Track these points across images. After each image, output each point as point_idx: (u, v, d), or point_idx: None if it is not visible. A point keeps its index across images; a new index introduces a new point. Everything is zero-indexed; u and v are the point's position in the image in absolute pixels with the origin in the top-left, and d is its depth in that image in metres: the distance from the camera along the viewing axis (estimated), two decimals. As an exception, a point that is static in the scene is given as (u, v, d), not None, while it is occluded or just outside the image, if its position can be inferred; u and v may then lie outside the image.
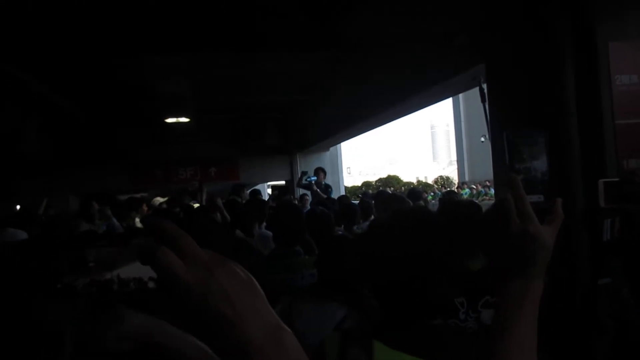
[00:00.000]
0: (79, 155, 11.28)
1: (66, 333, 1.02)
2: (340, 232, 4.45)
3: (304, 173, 9.50)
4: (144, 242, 0.52)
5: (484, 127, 3.91)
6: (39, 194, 9.35)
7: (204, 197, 7.78)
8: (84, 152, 11.29)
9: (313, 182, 8.62)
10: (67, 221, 5.70)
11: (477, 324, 2.05)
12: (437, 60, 5.04)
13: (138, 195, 10.74)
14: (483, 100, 3.86)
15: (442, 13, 4.11)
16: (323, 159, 12.46)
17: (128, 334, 0.83)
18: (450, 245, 1.25)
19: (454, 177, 51.18)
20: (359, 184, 45.14)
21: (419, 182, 47.83)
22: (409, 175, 60.35)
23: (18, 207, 8.75)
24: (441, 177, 48.96)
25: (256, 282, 0.56)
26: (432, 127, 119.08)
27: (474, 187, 26.06)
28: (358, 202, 6.32)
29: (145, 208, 9.82)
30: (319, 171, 8.74)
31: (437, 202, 11.97)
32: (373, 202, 5.78)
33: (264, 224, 4.90)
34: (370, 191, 21.69)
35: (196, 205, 7.35)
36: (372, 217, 5.34)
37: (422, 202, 6.69)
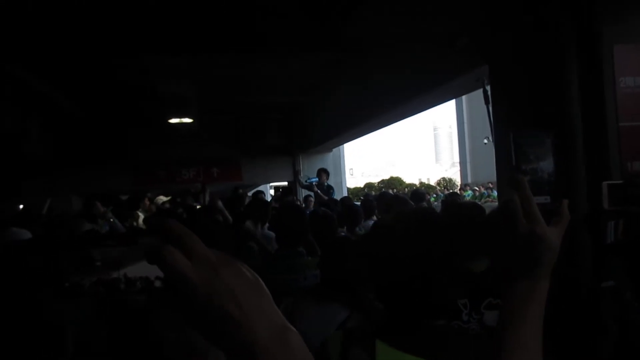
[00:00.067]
0: (81, 155, 11.30)
1: (68, 331, 1.02)
2: (342, 234, 4.45)
3: (297, 173, 9.49)
4: (150, 242, 0.52)
5: (486, 129, 3.91)
6: (41, 193, 9.37)
7: (207, 197, 7.79)
8: (86, 153, 11.31)
9: (314, 183, 8.61)
10: (69, 221, 5.71)
11: (479, 326, 2.05)
12: (440, 61, 5.04)
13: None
14: (487, 102, 3.85)
15: (445, 14, 4.11)
16: (326, 160, 12.46)
17: None
18: (453, 247, 1.25)
19: (457, 179, 51.14)
20: (362, 186, 45.15)
21: (421, 183, 47.80)
22: (411, 176, 60.33)
23: (21, 206, 8.77)
24: (444, 178, 48.95)
25: (262, 282, 0.56)
26: (434, 129, 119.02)
27: (477, 189, 26.00)
28: (360, 202, 6.32)
29: (147, 202, 9.85)
30: (321, 172, 8.73)
31: (440, 204, 11.96)
32: (375, 202, 5.78)
33: (267, 224, 4.90)
34: (373, 192, 21.68)
35: (198, 206, 7.36)
36: (375, 216, 5.34)
37: (425, 204, 6.68)
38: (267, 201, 6.66)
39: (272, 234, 3.93)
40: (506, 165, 3.35)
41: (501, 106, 3.59)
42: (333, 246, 2.58)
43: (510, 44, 3.34)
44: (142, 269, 2.94)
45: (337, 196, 8.74)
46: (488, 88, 3.95)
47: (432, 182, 47.89)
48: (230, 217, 5.26)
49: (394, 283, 1.24)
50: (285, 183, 13.63)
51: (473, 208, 2.89)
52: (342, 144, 12.51)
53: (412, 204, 5.61)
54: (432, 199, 19.85)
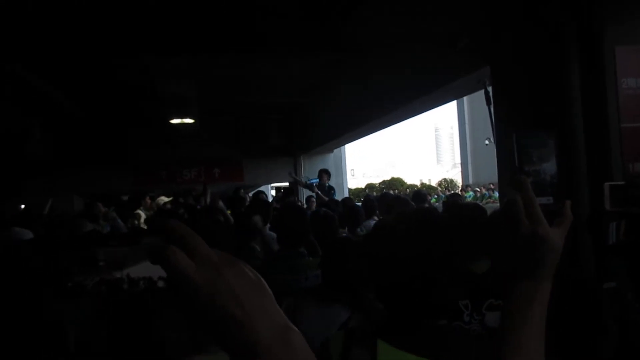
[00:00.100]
0: (82, 155, 11.31)
1: (69, 330, 1.02)
2: (344, 234, 4.45)
3: (290, 173, 9.49)
4: (153, 242, 0.52)
5: (488, 130, 3.91)
6: (43, 194, 9.38)
7: (208, 198, 7.80)
8: (87, 153, 11.33)
9: (315, 184, 8.60)
10: (71, 221, 5.71)
11: (481, 327, 2.05)
12: (441, 62, 5.04)
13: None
14: (488, 103, 3.85)
15: (446, 15, 4.11)
16: (327, 161, 12.46)
17: None
18: (455, 247, 1.25)
19: (458, 180, 51.11)
20: (363, 186, 45.15)
21: (422, 184, 47.81)
22: (412, 177, 60.34)
23: (22, 206, 8.78)
24: (445, 179, 48.93)
25: (265, 283, 0.56)
26: (436, 130, 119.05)
27: (478, 189, 25.99)
28: (361, 202, 6.31)
29: (148, 200, 9.86)
30: (322, 173, 8.72)
31: (441, 205, 11.96)
32: (376, 203, 5.78)
33: (268, 225, 4.90)
34: (374, 193, 21.68)
35: (198, 207, 7.37)
36: (376, 217, 5.34)
37: (426, 205, 6.68)
38: (268, 201, 6.67)
39: (274, 234, 3.93)
40: (508, 166, 3.35)
41: (502, 107, 3.59)
42: (334, 247, 2.58)
43: (511, 45, 3.34)
44: (145, 269, 2.94)
45: (338, 197, 8.73)
46: (489, 89, 3.95)
47: (434, 183, 47.88)
48: (231, 218, 5.27)
49: (395, 283, 1.24)
50: (287, 184, 13.63)
51: (474, 209, 2.89)
52: (343, 144, 12.51)
53: (413, 204, 5.60)
54: (434, 200, 19.86)
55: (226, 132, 12.23)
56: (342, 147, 12.93)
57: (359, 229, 4.82)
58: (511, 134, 0.96)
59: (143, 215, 8.83)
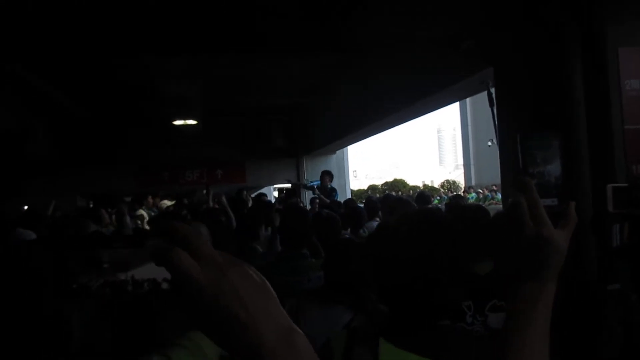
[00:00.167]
0: (85, 156, 11.34)
1: (73, 331, 1.03)
2: (346, 236, 4.45)
3: (288, 181, 9.52)
4: (158, 243, 0.52)
5: (491, 131, 3.90)
6: (46, 194, 9.41)
7: (211, 198, 7.82)
8: (90, 153, 11.35)
9: (316, 186, 8.60)
10: (75, 222, 5.72)
11: (484, 328, 2.05)
12: (444, 64, 5.03)
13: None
14: (491, 105, 3.85)
15: (449, 16, 4.11)
16: (329, 162, 12.46)
17: None
18: (457, 248, 1.25)
19: (461, 181, 51.08)
20: (365, 188, 45.14)
21: (425, 186, 47.80)
22: (415, 179, 60.34)
23: (25, 207, 8.81)
24: (447, 181, 48.89)
25: (269, 284, 0.56)
26: (438, 131, 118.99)
27: (481, 191, 25.96)
28: (364, 204, 6.31)
29: (150, 200, 9.88)
30: (324, 175, 8.72)
31: (444, 207, 11.94)
32: (379, 204, 5.78)
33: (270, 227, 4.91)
34: (377, 195, 21.67)
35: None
36: (378, 218, 5.34)
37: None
38: (271, 203, 6.68)
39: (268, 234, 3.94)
40: (510, 168, 3.34)
41: (506, 108, 3.58)
42: (337, 248, 2.59)
43: (514, 47, 3.34)
44: (150, 271, 2.95)
45: (341, 198, 8.73)
46: (492, 90, 3.95)
47: (436, 185, 47.87)
48: (232, 215, 5.31)
49: (397, 284, 1.24)
50: (289, 185, 13.64)
51: (477, 210, 2.89)
52: (346, 146, 12.51)
53: (416, 205, 5.60)
54: (436, 202, 19.81)
55: (229, 133, 12.24)
56: (344, 149, 12.93)
57: (361, 230, 4.82)
58: (514, 135, 0.96)
59: (146, 216, 8.85)
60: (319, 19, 4.72)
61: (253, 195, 10.40)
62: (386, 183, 45.94)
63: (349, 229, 4.83)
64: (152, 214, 9.31)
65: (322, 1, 4.45)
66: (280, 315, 0.55)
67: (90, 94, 8.75)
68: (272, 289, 0.56)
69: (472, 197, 22.97)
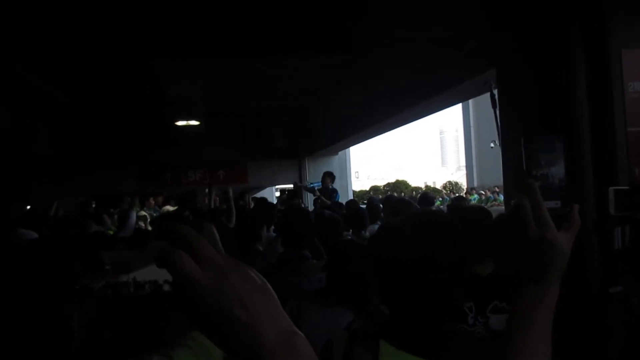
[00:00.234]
0: (88, 156, 11.36)
1: (74, 331, 1.03)
2: (349, 237, 4.44)
3: (282, 192, 9.55)
4: (160, 245, 0.52)
5: (493, 133, 3.90)
6: (49, 194, 9.42)
7: (212, 200, 7.83)
8: (93, 154, 11.38)
9: (316, 187, 8.59)
10: (77, 222, 5.73)
11: (485, 329, 2.04)
12: (447, 65, 5.03)
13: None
14: (494, 106, 3.84)
15: (452, 18, 4.11)
16: (331, 163, 12.46)
17: None
18: (459, 250, 1.25)
19: (463, 183, 51.10)
20: (367, 189, 45.15)
21: (427, 187, 47.76)
22: (417, 180, 60.33)
23: (28, 207, 8.83)
24: (450, 182, 48.87)
25: (270, 287, 0.56)
26: (441, 132, 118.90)
27: (483, 192, 25.96)
28: (365, 206, 6.30)
29: (152, 201, 9.88)
30: (326, 176, 8.71)
31: (446, 208, 11.93)
32: (381, 206, 5.77)
33: (272, 227, 4.90)
34: (380, 196, 21.65)
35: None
36: (379, 221, 5.33)
37: (432, 208, 6.67)
38: (273, 204, 6.69)
39: (272, 234, 3.93)
40: (513, 169, 3.34)
41: (508, 110, 3.58)
42: (338, 249, 2.58)
43: (517, 48, 3.34)
44: (151, 273, 2.94)
45: (343, 199, 8.72)
46: (495, 92, 3.95)
47: (438, 186, 47.82)
48: (234, 211, 5.35)
49: (399, 285, 1.24)
50: (291, 186, 13.64)
51: (479, 212, 2.88)
52: (348, 147, 12.51)
53: (418, 207, 5.60)
54: (438, 203, 19.79)
55: (231, 134, 12.26)
56: (346, 150, 12.93)
57: (363, 232, 4.82)
58: (517, 136, 0.97)
59: (148, 217, 8.87)
60: (324, 21, 4.72)
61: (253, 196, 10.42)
62: (388, 184, 45.96)
63: (350, 230, 4.82)
64: (154, 214, 9.32)
65: (332, 5, 4.45)
66: (281, 318, 0.55)
67: (93, 94, 8.77)
68: (272, 291, 0.56)
69: (475, 199, 22.96)
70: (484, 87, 4.37)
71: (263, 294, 0.55)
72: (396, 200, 5.88)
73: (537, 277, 0.89)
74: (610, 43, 2.65)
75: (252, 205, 7.67)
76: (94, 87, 8.22)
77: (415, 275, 1.21)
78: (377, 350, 1.19)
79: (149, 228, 7.75)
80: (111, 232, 6.87)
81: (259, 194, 15.24)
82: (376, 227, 4.87)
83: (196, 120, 8.86)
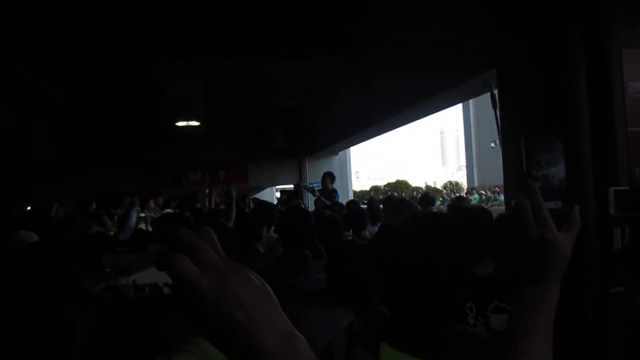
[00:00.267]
0: (89, 157, 11.36)
1: (76, 334, 1.03)
2: (349, 237, 4.44)
3: (283, 192, 9.55)
4: (160, 248, 0.52)
5: (493, 133, 3.90)
6: (49, 194, 9.43)
7: (212, 201, 7.83)
8: (93, 155, 11.38)
9: (316, 188, 8.58)
10: (77, 223, 5.73)
11: (486, 329, 2.04)
12: (448, 65, 5.03)
13: None
14: (494, 106, 3.84)
15: (452, 18, 4.11)
16: (332, 163, 12.46)
17: None
18: (460, 250, 1.25)
19: (463, 183, 51.05)
20: (368, 189, 45.14)
21: (427, 187, 47.73)
22: (417, 180, 60.30)
23: (28, 208, 8.82)
24: (450, 182, 48.84)
25: (270, 290, 0.56)
26: (441, 132, 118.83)
27: (483, 192, 25.94)
28: (366, 206, 6.30)
29: (152, 204, 9.87)
30: (326, 176, 8.70)
31: (446, 208, 11.92)
32: (381, 206, 5.77)
33: (273, 227, 4.90)
34: (380, 196, 21.64)
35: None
36: (380, 222, 5.33)
37: (434, 208, 6.67)
38: (273, 204, 6.68)
39: (274, 235, 3.93)
40: (513, 169, 3.34)
41: (508, 110, 3.58)
42: (339, 249, 2.58)
43: (517, 48, 3.34)
44: (151, 276, 2.94)
45: (343, 200, 8.71)
46: (495, 92, 3.95)
47: (439, 186, 47.80)
48: (235, 210, 5.35)
49: (400, 286, 1.24)
50: (291, 186, 13.64)
51: (480, 212, 2.88)
52: (349, 147, 12.51)
53: (417, 206, 5.60)
54: (439, 203, 19.79)
55: (231, 134, 12.26)
56: (347, 150, 12.93)
57: (364, 232, 4.82)
58: (517, 136, 0.97)
59: (149, 219, 8.86)
60: (319, 19, 4.72)
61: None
62: (389, 184, 45.93)
63: (351, 231, 4.82)
64: (155, 215, 9.31)
65: (332, 6, 4.45)
66: (282, 321, 0.55)
67: (93, 94, 8.78)
68: (273, 294, 0.56)
69: (475, 199, 22.95)
70: (484, 87, 4.37)
71: (263, 297, 0.55)
72: (397, 201, 5.89)
73: (538, 277, 0.89)
74: (611, 43, 2.65)
75: (251, 206, 7.67)
76: (94, 87, 8.22)
77: (416, 276, 1.21)
78: (378, 351, 1.19)
79: (150, 229, 7.75)
80: (112, 233, 6.86)
81: (259, 194, 15.24)
82: (376, 228, 4.87)
83: (196, 120, 8.87)
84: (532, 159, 0.94)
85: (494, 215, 2.80)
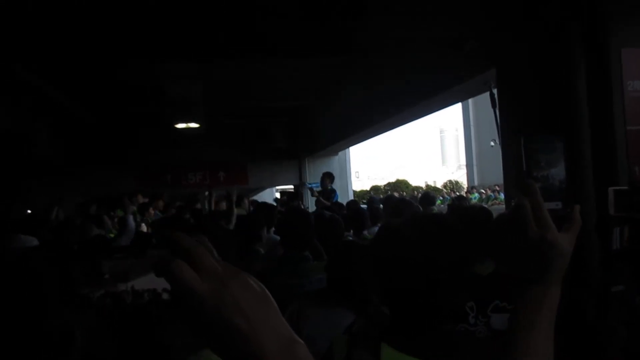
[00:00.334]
0: (88, 157, 11.36)
1: (77, 340, 1.03)
2: (349, 238, 4.44)
3: (282, 194, 9.56)
4: (159, 254, 0.52)
5: (493, 132, 3.90)
6: (49, 195, 9.42)
7: (212, 202, 7.83)
8: (93, 155, 11.38)
9: (314, 188, 8.57)
10: (78, 226, 5.73)
11: (486, 329, 2.04)
12: (448, 65, 5.03)
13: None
14: (493, 105, 3.84)
15: (452, 18, 4.11)
16: (332, 164, 12.47)
17: None
18: (461, 250, 1.25)
19: (463, 182, 51.06)
20: (368, 189, 45.13)
21: (428, 186, 47.72)
22: (417, 179, 60.24)
23: (29, 211, 8.82)
24: (450, 181, 48.86)
25: (269, 294, 0.56)
26: (441, 131, 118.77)
27: (483, 191, 25.95)
28: (366, 206, 6.30)
29: (152, 211, 9.83)
30: (325, 177, 8.70)
31: (446, 207, 11.92)
32: (382, 206, 5.77)
33: (273, 229, 4.90)
34: (381, 195, 21.65)
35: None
36: (380, 223, 5.33)
37: (434, 208, 6.67)
38: (273, 205, 6.68)
39: (278, 237, 3.93)
40: (513, 168, 3.34)
41: (508, 109, 3.58)
42: (339, 250, 2.58)
43: (517, 47, 3.34)
44: (150, 282, 2.94)
45: (343, 200, 8.71)
46: (495, 91, 3.95)
47: (439, 185, 47.81)
48: (235, 210, 5.35)
49: (400, 286, 1.24)
50: (291, 186, 13.64)
51: (480, 211, 2.88)
52: (348, 147, 12.51)
53: (417, 206, 5.60)
54: (439, 202, 19.79)
55: (231, 135, 12.26)
56: (346, 150, 12.93)
57: (365, 232, 4.81)
58: (517, 136, 0.96)
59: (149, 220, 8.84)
60: (319, 19, 4.72)
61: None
62: (389, 184, 45.93)
63: (351, 231, 4.82)
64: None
65: (333, 6, 4.45)
66: (281, 326, 0.55)
67: (93, 95, 8.77)
68: (272, 298, 0.56)
69: (475, 198, 22.97)
70: (484, 86, 4.37)
71: (263, 302, 0.55)
72: (397, 201, 5.88)
73: (538, 277, 0.89)
74: (610, 42, 2.65)
75: (250, 208, 7.67)
76: (94, 87, 8.22)
77: (416, 276, 1.21)
78: (379, 353, 1.18)
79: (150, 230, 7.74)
80: (112, 235, 6.86)
81: (259, 195, 15.24)
82: (376, 229, 4.86)
83: (196, 122, 8.87)
84: (532, 160, 0.94)
85: (494, 215, 2.80)
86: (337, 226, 3.73)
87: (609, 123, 2.63)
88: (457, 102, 7.38)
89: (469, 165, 58.04)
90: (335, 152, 12.55)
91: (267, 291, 0.56)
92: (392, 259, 1.26)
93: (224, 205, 6.77)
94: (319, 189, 8.50)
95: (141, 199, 9.48)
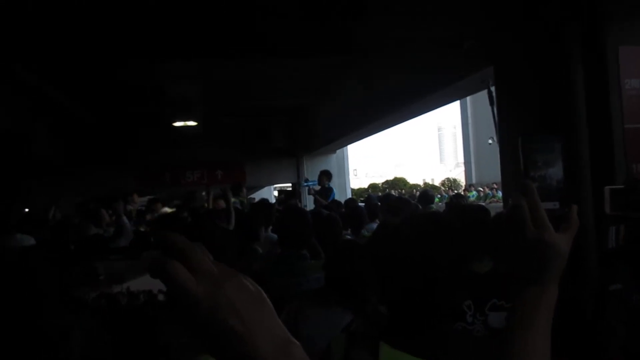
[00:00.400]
0: (88, 157, 11.35)
1: (73, 341, 1.03)
2: (347, 236, 4.44)
3: (280, 192, 9.55)
4: (154, 255, 0.52)
5: (491, 129, 3.91)
6: (49, 195, 9.41)
7: (210, 199, 7.83)
8: (93, 154, 11.36)
9: (312, 187, 8.56)
10: (75, 225, 5.72)
11: (484, 327, 2.04)
12: (446, 63, 5.03)
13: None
14: (491, 103, 3.85)
15: (452, 18, 4.11)
16: (330, 162, 12.46)
17: None
18: (458, 248, 1.25)
19: (461, 179, 51.08)
20: (366, 187, 45.15)
21: (425, 184, 47.79)
22: (415, 177, 60.32)
23: (26, 210, 8.81)
24: (448, 179, 48.91)
25: (265, 296, 0.56)
26: (439, 129, 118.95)
27: (481, 189, 25.92)
28: (364, 204, 6.30)
29: (148, 218, 9.81)
30: (322, 175, 8.70)
31: (444, 205, 11.93)
32: (379, 204, 5.77)
33: (270, 227, 4.90)
34: (379, 194, 21.65)
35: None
36: (378, 220, 5.33)
37: (433, 206, 6.66)
38: (271, 204, 6.68)
39: (276, 236, 3.92)
40: (511, 166, 3.34)
41: (506, 107, 3.58)
42: (337, 249, 2.58)
43: (515, 46, 3.34)
44: (146, 283, 2.93)
45: (341, 198, 8.71)
46: (493, 89, 3.95)
47: (437, 183, 47.86)
48: (232, 210, 5.35)
49: (398, 285, 1.24)
50: (289, 184, 13.64)
51: (478, 210, 2.88)
52: (346, 145, 12.51)
53: (415, 204, 5.60)
54: (437, 200, 19.80)
55: (229, 133, 12.25)
56: (344, 148, 12.93)
57: (363, 230, 4.81)
58: (514, 133, 0.96)
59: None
60: (319, 19, 4.71)
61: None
62: (387, 181, 45.98)
63: (349, 230, 4.82)
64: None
65: (323, 1, 4.44)
66: (277, 327, 0.55)
67: (93, 94, 8.76)
68: (267, 299, 0.56)
69: (473, 195, 22.95)
70: (482, 84, 4.37)
71: (258, 303, 0.55)
72: (394, 199, 5.89)
73: (536, 277, 0.89)
74: (608, 40, 2.65)
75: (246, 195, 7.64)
76: (94, 87, 8.21)
77: (414, 274, 1.21)
78: (377, 351, 1.19)
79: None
80: (110, 230, 6.84)
81: (257, 194, 15.23)
82: (374, 225, 4.86)
83: (194, 120, 8.86)
84: (529, 160, 0.94)
85: (492, 213, 2.80)
86: (335, 225, 3.73)
87: (607, 121, 2.63)
88: (455, 100, 7.39)
89: (466, 163, 58.01)
90: (334, 151, 12.55)
91: (262, 292, 0.56)
92: (390, 258, 1.26)
93: (222, 203, 6.75)
94: (317, 187, 8.49)
95: (137, 199, 9.47)
